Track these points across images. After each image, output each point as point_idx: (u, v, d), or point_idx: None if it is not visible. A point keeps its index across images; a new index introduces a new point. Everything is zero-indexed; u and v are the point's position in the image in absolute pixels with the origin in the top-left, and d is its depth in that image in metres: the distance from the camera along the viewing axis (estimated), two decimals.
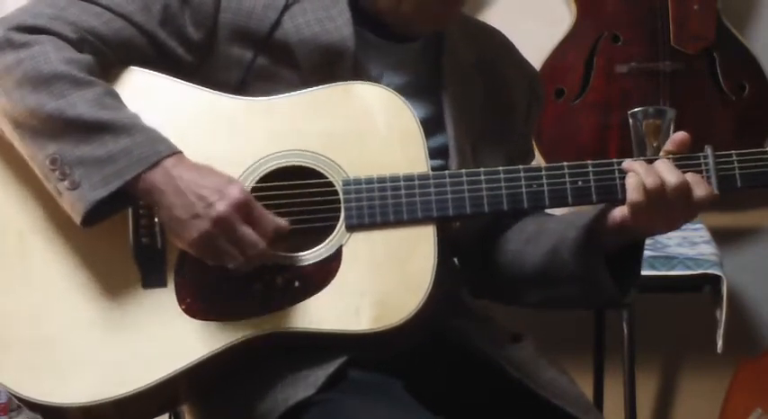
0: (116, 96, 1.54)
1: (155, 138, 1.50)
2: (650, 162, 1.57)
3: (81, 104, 1.49)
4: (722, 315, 2.59)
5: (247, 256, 1.49)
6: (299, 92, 1.59)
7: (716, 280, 2.61)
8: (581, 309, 2.84)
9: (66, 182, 1.48)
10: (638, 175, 1.55)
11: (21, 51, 1.52)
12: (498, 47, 1.83)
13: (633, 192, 1.55)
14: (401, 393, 1.56)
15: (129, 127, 1.49)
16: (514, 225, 1.77)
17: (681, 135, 1.60)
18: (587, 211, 1.64)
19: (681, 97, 2.89)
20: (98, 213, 1.49)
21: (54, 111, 1.48)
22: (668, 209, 1.55)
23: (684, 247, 2.68)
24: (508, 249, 1.75)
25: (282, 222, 1.51)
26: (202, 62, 1.61)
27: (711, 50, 2.92)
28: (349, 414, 1.50)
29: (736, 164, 1.59)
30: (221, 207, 1.47)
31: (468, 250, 1.78)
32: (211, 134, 1.55)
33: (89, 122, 1.48)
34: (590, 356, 2.99)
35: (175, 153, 1.50)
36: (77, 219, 1.49)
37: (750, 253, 3.15)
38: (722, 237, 2.89)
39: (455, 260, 1.82)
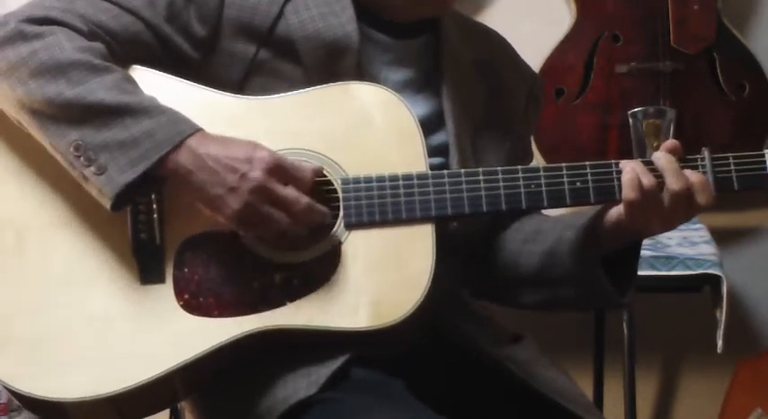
0: (133, 81, 1.55)
1: (176, 119, 1.51)
2: (647, 164, 1.56)
3: (101, 90, 1.49)
4: (722, 315, 2.59)
5: (294, 214, 1.49)
6: (296, 91, 1.59)
7: (716, 280, 2.60)
8: (579, 311, 2.83)
9: (92, 168, 1.48)
10: (634, 172, 1.54)
11: (34, 42, 1.52)
12: (496, 47, 1.83)
13: (628, 190, 1.54)
14: (403, 392, 1.56)
15: (150, 109, 1.50)
16: (512, 225, 1.77)
17: (671, 143, 1.60)
18: (585, 212, 1.64)
19: (681, 97, 2.89)
20: (126, 196, 1.50)
21: (74, 98, 1.49)
22: (666, 210, 1.54)
23: (684, 247, 2.68)
24: (506, 249, 1.75)
25: (315, 165, 1.53)
26: (207, 58, 1.61)
27: (711, 50, 2.92)
28: (351, 413, 1.49)
29: (732, 167, 1.58)
30: (255, 174, 1.47)
31: (468, 250, 1.78)
32: None
33: (110, 107, 1.49)
34: (590, 356, 2.98)
35: (198, 130, 1.50)
36: (107, 204, 1.49)
37: (750, 253, 3.15)
38: (722, 237, 2.88)
39: (456, 260, 1.82)
